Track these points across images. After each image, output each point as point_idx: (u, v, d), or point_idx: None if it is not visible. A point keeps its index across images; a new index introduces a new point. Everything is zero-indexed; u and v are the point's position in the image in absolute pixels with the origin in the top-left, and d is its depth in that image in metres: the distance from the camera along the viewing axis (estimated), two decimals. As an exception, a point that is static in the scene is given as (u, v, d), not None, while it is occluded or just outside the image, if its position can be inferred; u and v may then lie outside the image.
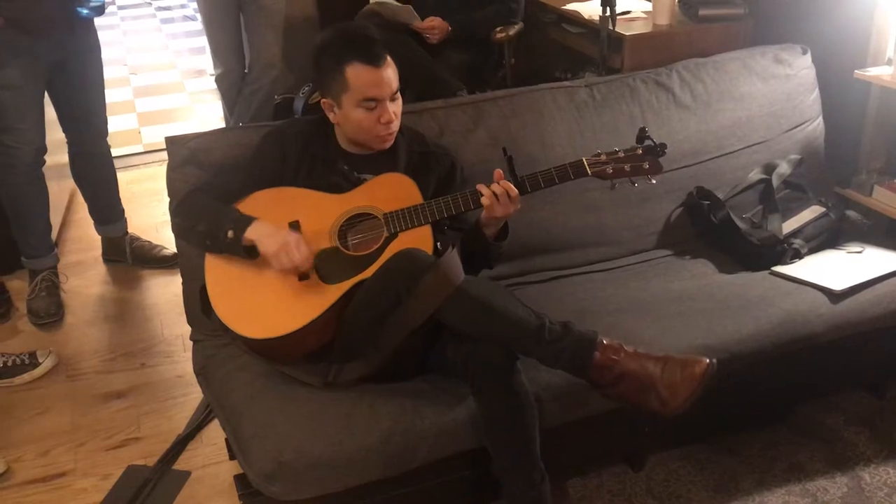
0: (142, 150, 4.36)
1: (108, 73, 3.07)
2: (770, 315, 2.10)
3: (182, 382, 2.57)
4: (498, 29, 3.29)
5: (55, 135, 3.02)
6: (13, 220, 2.89)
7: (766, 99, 2.63)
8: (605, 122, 2.47)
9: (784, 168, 2.55)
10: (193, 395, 2.48)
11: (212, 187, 2.03)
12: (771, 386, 2.23)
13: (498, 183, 1.89)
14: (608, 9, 2.78)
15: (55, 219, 3.16)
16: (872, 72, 2.55)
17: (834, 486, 2.13)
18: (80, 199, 3.35)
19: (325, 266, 1.90)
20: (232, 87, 3.66)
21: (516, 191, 1.88)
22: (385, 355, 1.83)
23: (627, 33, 2.99)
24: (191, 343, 2.17)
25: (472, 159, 2.26)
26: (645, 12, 3.20)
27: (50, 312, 2.88)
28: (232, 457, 2.13)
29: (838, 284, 2.18)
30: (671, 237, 2.54)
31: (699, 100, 2.57)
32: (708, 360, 1.79)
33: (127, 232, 3.26)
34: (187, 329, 2.20)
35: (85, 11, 2.74)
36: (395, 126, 1.99)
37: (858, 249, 2.39)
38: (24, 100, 2.70)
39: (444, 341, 1.86)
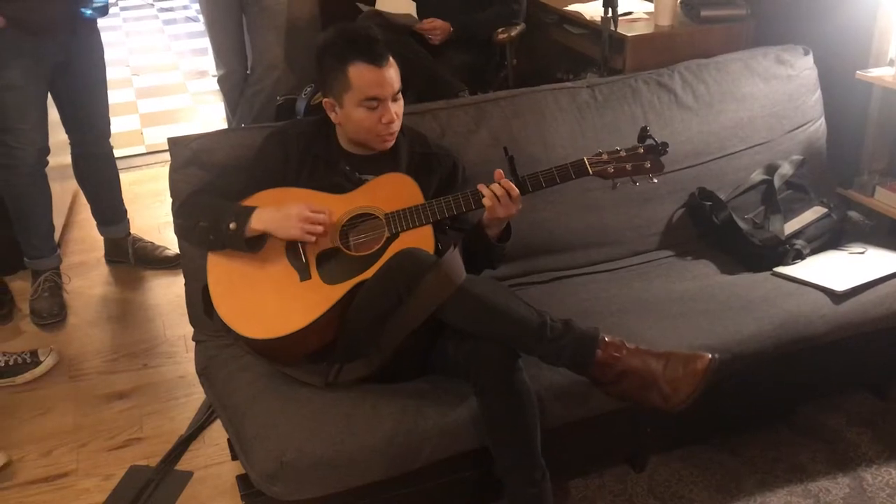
0: (144, 151, 4.36)
1: (111, 74, 3.07)
2: (772, 316, 2.10)
3: (184, 383, 2.57)
4: (500, 30, 3.29)
5: (58, 136, 3.03)
6: (16, 221, 2.90)
7: (768, 100, 2.63)
8: (607, 122, 2.48)
9: (786, 169, 2.55)
10: (196, 396, 2.48)
11: (214, 188, 2.04)
12: (773, 386, 2.23)
13: (499, 183, 1.89)
14: (610, 10, 2.78)
15: (58, 219, 3.17)
16: (874, 72, 2.55)
17: (836, 487, 2.13)
18: (82, 199, 3.35)
19: (326, 266, 1.90)
20: (234, 88, 3.66)
21: (517, 190, 1.88)
22: (387, 355, 1.83)
23: (629, 34, 2.99)
24: (193, 344, 2.18)
25: (473, 160, 2.27)
26: (647, 13, 3.20)
27: (52, 313, 2.89)
28: (234, 457, 2.13)
29: (840, 285, 2.18)
30: (673, 238, 2.54)
31: (701, 100, 2.57)
32: (710, 356, 1.80)
33: (129, 233, 3.27)
34: (189, 330, 2.21)
35: (88, 12, 2.75)
36: (397, 126, 1.99)
37: (860, 250, 2.38)
38: (27, 100, 2.71)
39: (446, 341, 1.86)
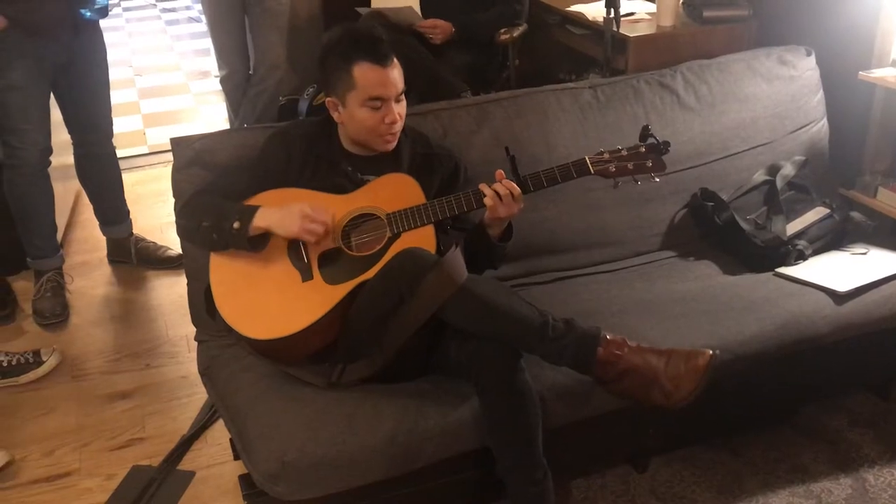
0: (147, 152, 4.37)
1: (114, 74, 3.08)
2: (774, 316, 2.10)
3: (186, 383, 2.57)
4: (502, 30, 3.29)
5: (60, 136, 3.03)
6: (19, 221, 2.90)
7: (771, 100, 2.63)
8: (609, 123, 2.48)
9: (788, 169, 2.55)
10: (198, 396, 2.49)
11: (216, 188, 2.04)
12: (775, 387, 2.23)
13: (500, 182, 1.89)
14: (612, 10, 2.77)
15: (60, 220, 3.17)
16: (877, 73, 2.54)
17: (838, 488, 2.13)
18: (85, 200, 3.36)
19: (328, 266, 1.91)
20: (237, 88, 3.67)
21: (519, 190, 1.88)
22: (389, 355, 1.83)
23: (631, 35, 2.99)
24: (195, 344, 2.18)
25: (475, 160, 2.27)
26: (649, 14, 3.20)
27: (55, 313, 2.89)
28: (236, 457, 2.13)
29: (842, 286, 2.18)
30: (675, 238, 2.54)
31: (703, 101, 2.57)
32: (711, 352, 1.80)
33: (132, 233, 3.27)
34: (192, 330, 2.21)
35: (88, 14, 2.75)
36: (399, 127, 1.99)
37: (863, 251, 2.38)
38: (30, 101, 2.71)
39: (448, 340, 1.87)
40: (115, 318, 2.96)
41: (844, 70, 2.66)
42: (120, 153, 3.24)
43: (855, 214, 2.55)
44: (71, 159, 3.15)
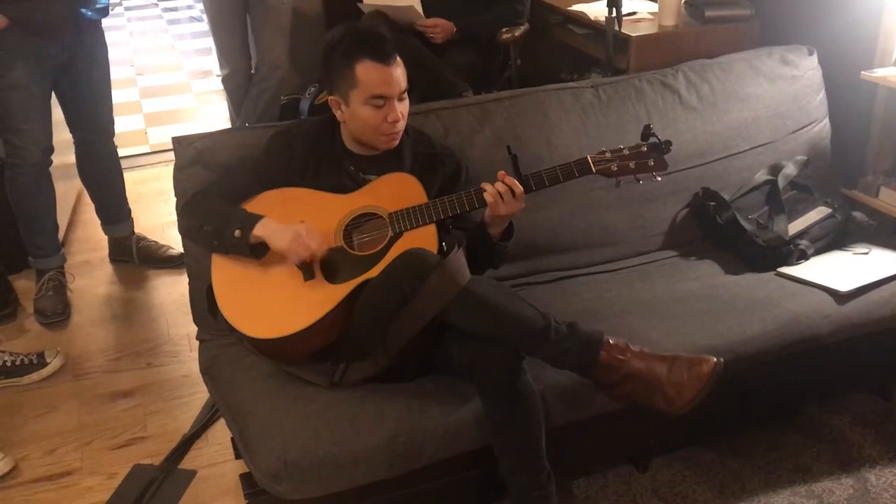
0: (148, 151, 4.37)
1: (115, 73, 3.08)
2: (776, 316, 2.10)
3: (188, 382, 2.58)
4: (504, 30, 3.28)
5: (62, 135, 3.04)
6: (20, 220, 2.90)
7: (773, 100, 2.63)
8: (611, 122, 2.47)
9: (790, 169, 2.55)
10: (199, 395, 2.49)
11: (218, 188, 2.04)
12: (776, 387, 2.23)
13: (502, 181, 1.89)
14: (614, 10, 2.77)
15: (62, 219, 3.17)
16: (879, 73, 2.54)
17: (840, 488, 2.12)
18: (86, 199, 3.36)
19: (330, 266, 1.91)
20: (238, 87, 3.67)
21: (521, 188, 1.88)
22: (391, 355, 1.83)
23: (633, 34, 2.99)
24: (197, 343, 2.18)
25: (477, 160, 2.27)
26: (651, 13, 3.20)
27: (57, 312, 2.90)
28: (238, 456, 2.13)
29: (844, 286, 2.18)
30: (677, 238, 2.53)
31: (705, 101, 2.57)
32: (716, 360, 1.79)
33: (133, 232, 3.27)
34: (193, 329, 2.21)
35: (89, 13, 2.75)
36: (402, 126, 1.99)
37: (864, 251, 2.38)
38: (32, 100, 2.71)
39: (450, 341, 1.86)
40: (117, 317, 2.96)
41: (847, 70, 2.66)
42: (121, 152, 3.24)
43: (857, 214, 2.55)
44: (72, 158, 3.15)
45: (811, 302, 2.15)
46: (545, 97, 2.46)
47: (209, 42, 4.84)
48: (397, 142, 2.02)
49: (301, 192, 1.99)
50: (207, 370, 2.09)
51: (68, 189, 3.50)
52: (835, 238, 2.44)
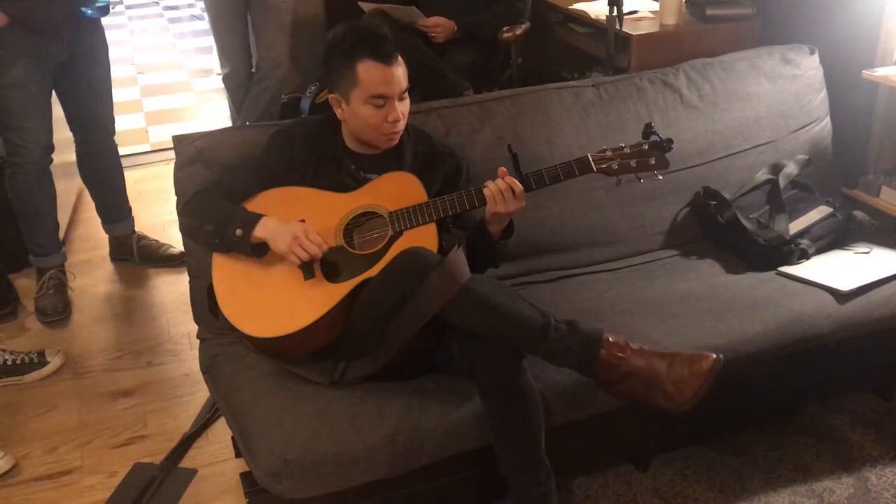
0: (149, 149, 4.37)
1: (116, 72, 3.08)
2: (777, 315, 2.10)
3: (188, 381, 2.58)
4: (504, 28, 3.28)
5: (63, 133, 3.04)
6: (21, 219, 2.91)
7: (774, 99, 2.63)
8: (612, 121, 2.47)
9: (791, 168, 2.55)
10: (200, 394, 2.49)
11: (219, 187, 2.04)
12: (777, 386, 2.22)
13: (503, 179, 1.89)
14: (615, 8, 2.77)
15: (63, 217, 3.17)
16: (880, 72, 2.54)
17: (840, 487, 2.12)
18: (87, 197, 3.36)
19: (330, 265, 1.91)
20: (239, 86, 3.67)
21: (520, 186, 1.88)
22: (391, 354, 1.83)
23: (634, 33, 2.99)
24: (197, 341, 2.18)
25: (478, 159, 2.27)
26: (652, 12, 3.20)
27: (57, 310, 2.90)
28: (238, 455, 2.14)
29: (845, 285, 2.18)
30: (677, 237, 2.53)
31: (706, 100, 2.57)
32: (715, 356, 1.80)
33: (134, 230, 3.27)
34: (194, 327, 2.21)
35: (90, 11, 2.75)
36: (402, 125, 1.99)
37: (865, 250, 2.38)
38: (32, 99, 2.71)
39: (450, 340, 1.86)
40: (117, 315, 2.96)
41: (848, 69, 2.65)
42: (122, 151, 3.24)
43: (858, 213, 2.55)
44: (73, 157, 3.15)
45: (812, 301, 2.15)
46: (546, 96, 2.46)
47: (210, 40, 4.83)
48: (397, 141, 2.01)
49: (301, 191, 1.99)
50: (208, 369, 2.09)
51: (69, 187, 3.50)
52: (836, 237, 2.44)
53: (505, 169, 1.90)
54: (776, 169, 2.56)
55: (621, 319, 2.08)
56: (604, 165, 1.92)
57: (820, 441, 2.27)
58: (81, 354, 2.73)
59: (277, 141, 2.07)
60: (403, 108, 1.98)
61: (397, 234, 1.91)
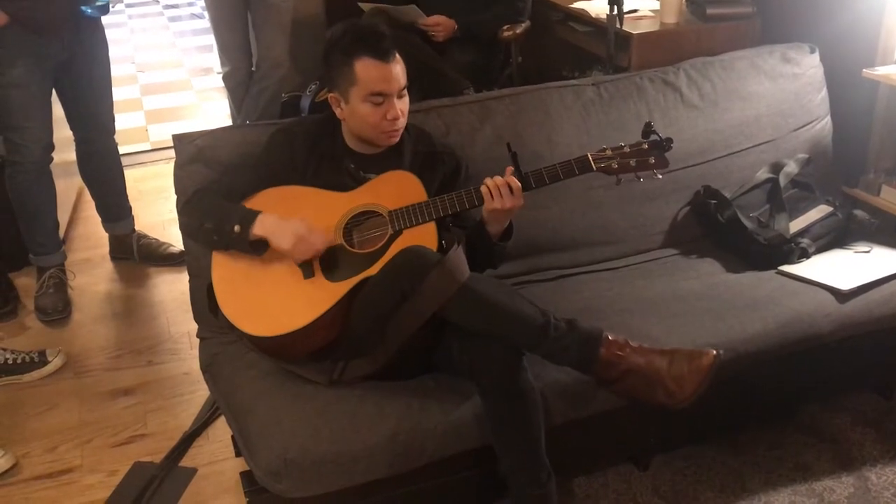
0: (149, 148, 4.37)
1: (116, 70, 3.08)
2: (777, 314, 2.10)
3: (188, 380, 2.58)
4: (505, 27, 3.28)
5: (63, 132, 3.03)
6: (21, 218, 2.90)
7: (774, 98, 2.63)
8: (612, 120, 2.47)
9: (791, 167, 2.54)
10: (200, 393, 2.49)
11: (219, 186, 2.04)
12: (777, 385, 2.22)
13: (500, 176, 1.88)
14: (615, 7, 2.77)
15: (63, 216, 3.17)
16: (881, 71, 2.54)
17: (840, 487, 2.12)
18: (87, 196, 3.36)
19: (330, 263, 1.90)
20: (239, 85, 3.66)
21: (518, 184, 1.88)
22: (391, 353, 1.83)
23: (635, 32, 2.99)
24: (197, 340, 2.18)
25: (478, 157, 2.26)
26: (652, 11, 3.20)
27: (57, 309, 2.90)
28: (238, 454, 2.14)
29: (845, 284, 2.17)
30: (678, 236, 2.53)
31: (707, 99, 2.56)
32: (715, 352, 1.80)
33: (134, 229, 3.27)
34: (194, 326, 2.21)
35: (89, 11, 2.75)
36: (401, 123, 1.99)
37: (866, 249, 2.38)
38: (32, 98, 2.71)
39: (450, 339, 1.86)
40: (117, 314, 2.96)
41: (848, 67, 2.65)
42: (122, 150, 3.24)
43: (858, 212, 2.55)
44: (73, 156, 3.15)
45: (812, 300, 2.15)
46: (546, 95, 2.46)
47: (210, 39, 4.83)
48: (397, 139, 2.01)
49: (301, 190, 1.99)
50: (208, 368, 2.09)
51: (69, 186, 3.50)
52: (836, 236, 2.44)
53: (511, 168, 1.90)
54: (776, 168, 2.56)
55: (621, 318, 2.08)
56: (603, 164, 1.92)
57: (820, 440, 2.27)
58: (81, 353, 2.73)
59: (277, 140, 2.06)
60: (402, 105, 1.97)
61: (397, 233, 1.91)
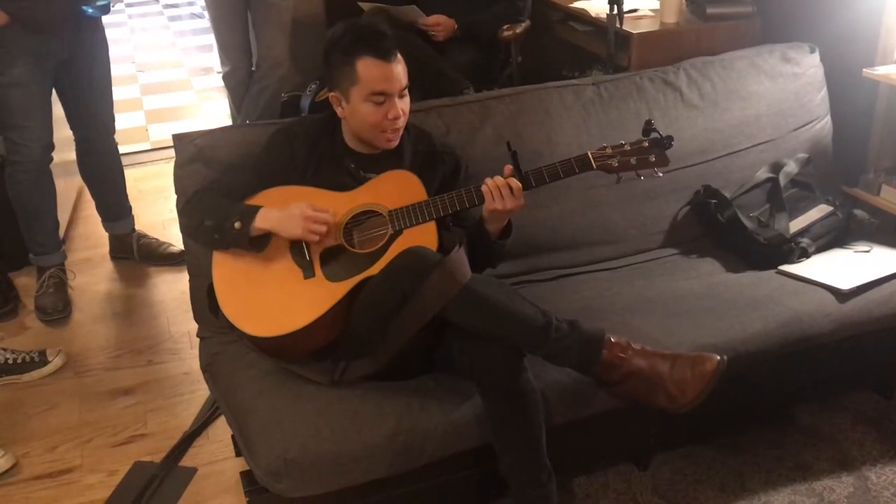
0: (149, 148, 4.37)
1: (116, 70, 3.08)
2: (777, 314, 2.10)
3: (189, 379, 2.58)
4: (505, 27, 3.28)
5: (63, 132, 3.03)
6: (21, 218, 2.90)
7: (774, 97, 2.63)
8: (612, 120, 2.47)
9: (791, 167, 2.54)
10: (200, 392, 2.49)
11: (219, 185, 2.04)
12: (777, 385, 2.22)
13: (502, 176, 1.88)
14: (615, 7, 2.77)
15: (63, 216, 3.17)
16: (881, 70, 2.54)
17: (840, 486, 2.12)
18: (87, 196, 3.36)
19: (330, 263, 1.90)
20: (239, 84, 3.66)
21: (518, 184, 1.87)
22: (391, 353, 1.83)
23: (635, 31, 2.99)
24: (197, 340, 2.18)
25: (478, 157, 2.26)
26: (652, 10, 3.19)
27: (57, 309, 2.90)
28: (238, 454, 2.14)
29: (845, 284, 2.17)
30: (678, 236, 2.53)
31: (707, 98, 2.56)
32: (719, 358, 1.79)
33: (134, 229, 3.27)
34: (194, 326, 2.21)
35: (90, 10, 2.75)
36: (402, 123, 1.99)
37: (866, 249, 2.38)
38: (32, 98, 2.71)
39: (451, 339, 1.86)
40: (118, 314, 2.96)
41: (848, 67, 2.65)
42: (122, 149, 3.24)
43: (858, 212, 2.55)
44: (73, 155, 3.15)
45: (812, 300, 2.15)
46: (546, 94, 2.46)
47: (210, 39, 4.83)
48: (396, 142, 2.01)
49: (301, 190, 1.99)
50: (208, 367, 2.09)
51: (69, 186, 3.50)
52: (836, 236, 2.44)
53: (510, 167, 1.90)
54: (776, 167, 2.56)
55: (621, 318, 2.08)
56: (603, 163, 1.92)
57: (820, 440, 2.27)
58: (81, 353, 2.73)
59: (277, 140, 2.06)
60: (404, 105, 1.97)
61: (397, 233, 1.91)
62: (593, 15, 3.24)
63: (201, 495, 2.15)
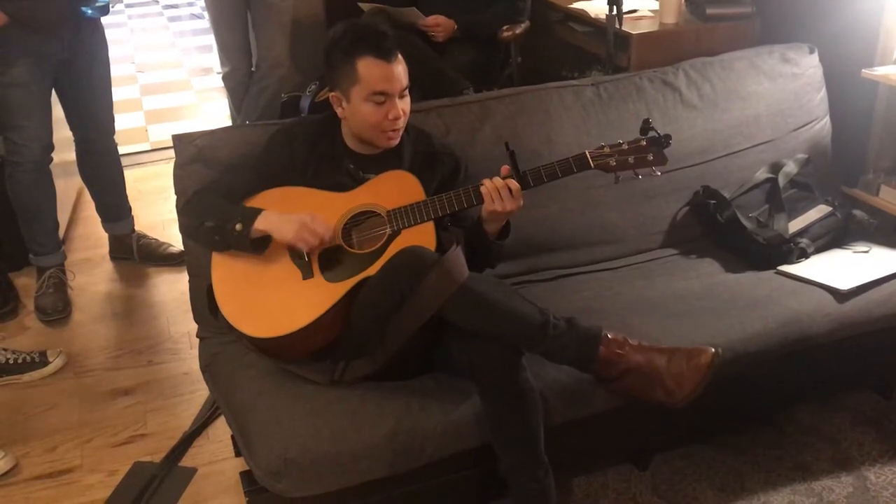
0: (149, 148, 4.37)
1: (116, 70, 3.08)
2: (776, 314, 2.10)
3: (188, 379, 2.58)
4: (504, 27, 3.28)
5: (63, 132, 3.04)
6: (21, 218, 2.90)
7: (774, 98, 2.63)
8: (612, 120, 2.47)
9: (791, 167, 2.55)
10: (200, 392, 2.49)
11: (219, 186, 2.04)
12: (777, 385, 2.23)
13: (500, 177, 1.88)
14: (615, 7, 2.77)
15: (62, 216, 3.17)
16: (880, 71, 2.54)
17: (839, 486, 2.12)
18: (87, 196, 3.36)
19: (328, 264, 1.91)
20: (239, 85, 3.67)
21: (517, 185, 1.88)
22: (390, 353, 1.83)
23: (634, 32, 2.99)
24: (197, 340, 2.18)
25: (478, 157, 2.26)
26: (652, 11, 3.20)
27: (57, 309, 2.90)
28: (238, 454, 2.14)
29: (844, 284, 2.18)
30: (677, 236, 2.53)
31: (706, 99, 2.57)
32: (714, 350, 1.80)
33: (134, 229, 3.27)
34: (194, 326, 2.21)
35: (89, 11, 2.75)
36: (402, 123, 1.99)
37: (865, 249, 2.38)
38: (32, 98, 2.71)
39: (450, 339, 1.86)
40: (117, 314, 2.96)
41: (848, 68, 2.65)
42: (122, 150, 3.24)
43: (857, 212, 2.55)
44: (73, 156, 3.15)
45: (811, 300, 2.15)
46: (546, 95, 2.46)
47: (210, 39, 4.83)
48: (396, 141, 2.01)
49: (301, 191, 1.99)
50: (208, 368, 2.09)
51: (69, 186, 3.50)
52: (835, 236, 2.44)
53: (508, 167, 1.90)
54: (776, 168, 2.56)
55: (621, 318, 2.08)
56: (601, 162, 1.92)
57: (819, 440, 2.27)
58: (81, 353, 2.73)
59: (277, 140, 2.07)
60: (404, 105, 1.98)
61: (395, 233, 1.91)
62: (593, 15, 3.25)
63: (201, 495, 2.15)
